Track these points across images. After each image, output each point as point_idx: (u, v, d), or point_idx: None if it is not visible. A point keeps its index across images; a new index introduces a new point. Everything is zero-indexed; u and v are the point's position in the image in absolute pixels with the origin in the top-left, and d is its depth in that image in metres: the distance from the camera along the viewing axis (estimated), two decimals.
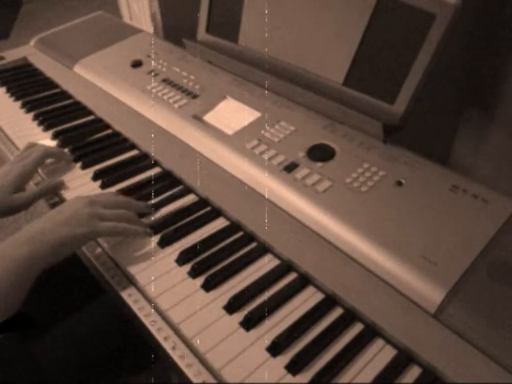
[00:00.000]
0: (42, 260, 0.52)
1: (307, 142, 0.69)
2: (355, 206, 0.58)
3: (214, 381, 0.46)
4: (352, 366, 0.46)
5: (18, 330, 0.64)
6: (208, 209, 0.65)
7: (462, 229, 0.54)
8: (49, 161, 0.75)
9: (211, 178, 0.68)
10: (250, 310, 0.51)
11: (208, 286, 0.54)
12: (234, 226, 0.62)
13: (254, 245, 0.60)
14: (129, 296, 0.55)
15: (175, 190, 0.69)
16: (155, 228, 0.61)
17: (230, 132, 0.73)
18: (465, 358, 0.45)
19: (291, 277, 0.55)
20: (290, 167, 0.65)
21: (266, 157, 0.67)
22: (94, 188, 0.70)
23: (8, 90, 0.99)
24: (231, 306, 0.51)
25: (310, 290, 0.54)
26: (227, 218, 0.63)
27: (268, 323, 0.50)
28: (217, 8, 0.87)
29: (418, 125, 0.73)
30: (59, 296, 0.75)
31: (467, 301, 0.48)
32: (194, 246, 0.59)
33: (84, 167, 0.74)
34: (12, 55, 1.11)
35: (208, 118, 0.78)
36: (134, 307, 0.53)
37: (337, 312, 0.51)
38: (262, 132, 0.72)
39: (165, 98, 0.83)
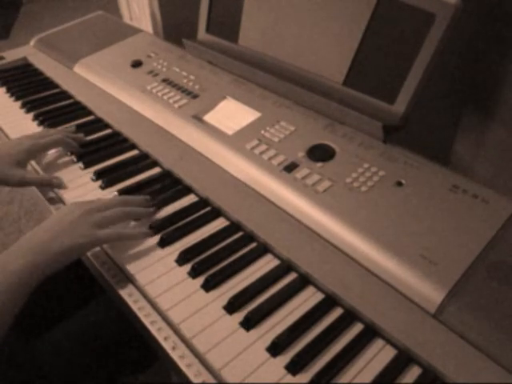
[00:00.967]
0: (42, 271, 0.52)
1: (307, 141, 0.69)
2: (355, 206, 0.58)
3: (213, 381, 0.46)
4: (352, 366, 0.46)
5: (18, 330, 0.64)
6: (208, 209, 0.65)
7: (462, 229, 0.54)
8: (51, 156, 0.76)
9: (211, 178, 0.68)
10: (250, 310, 0.51)
11: (208, 286, 0.54)
12: (234, 226, 0.62)
13: (253, 245, 0.60)
14: (129, 296, 0.55)
15: (175, 189, 0.69)
16: (155, 228, 0.61)
17: (229, 132, 0.73)
18: (465, 358, 0.45)
19: (291, 277, 0.55)
20: (290, 167, 0.65)
21: (265, 157, 0.67)
22: (93, 188, 0.70)
23: (8, 90, 0.99)
24: (231, 306, 0.51)
25: (310, 289, 0.54)
26: (227, 218, 0.63)
27: (268, 323, 0.50)
28: (217, 8, 0.87)
29: (418, 125, 0.73)
30: (59, 296, 0.75)
31: (467, 301, 0.48)
32: (193, 246, 0.59)
33: (84, 167, 0.74)
34: (12, 55, 1.11)
35: (208, 117, 0.78)
36: (134, 307, 0.53)
37: (337, 312, 0.51)
38: (262, 132, 0.72)
39: (165, 97, 0.83)
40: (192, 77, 0.88)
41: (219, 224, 0.63)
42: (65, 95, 0.96)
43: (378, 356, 0.47)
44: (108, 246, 0.60)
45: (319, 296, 0.53)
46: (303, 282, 0.54)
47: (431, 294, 0.49)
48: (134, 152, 0.78)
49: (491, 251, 0.52)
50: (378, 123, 0.65)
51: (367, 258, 0.53)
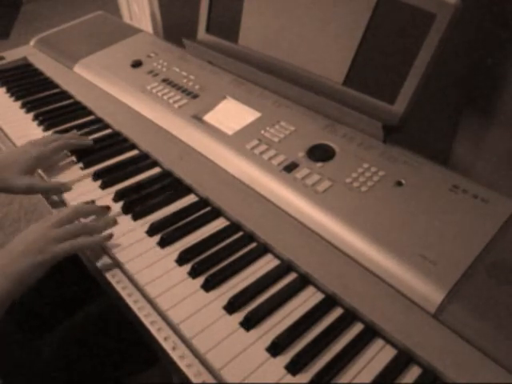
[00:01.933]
0: (6, 297, 0.52)
1: (307, 142, 0.69)
2: (355, 206, 0.58)
3: (213, 381, 0.46)
4: (352, 366, 0.46)
5: (18, 330, 0.64)
6: (208, 209, 0.65)
7: (462, 229, 0.54)
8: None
9: (211, 178, 0.68)
10: (250, 310, 0.51)
11: (208, 286, 0.54)
12: (234, 226, 0.62)
13: (253, 245, 0.60)
14: (129, 296, 0.55)
15: (175, 189, 0.69)
16: (155, 228, 0.61)
17: (230, 132, 0.73)
18: (465, 358, 0.45)
19: (291, 277, 0.55)
20: (290, 167, 0.65)
21: (265, 157, 0.67)
22: (93, 188, 0.70)
23: (8, 90, 0.99)
24: (231, 306, 0.51)
25: (310, 289, 0.54)
26: (227, 218, 0.63)
27: (268, 323, 0.50)
28: (217, 8, 0.87)
29: (418, 125, 0.73)
30: (59, 296, 0.75)
31: (467, 301, 0.48)
32: (193, 246, 0.59)
33: (84, 167, 0.74)
34: (12, 55, 1.11)
35: (208, 118, 0.78)
36: (134, 307, 0.53)
37: (337, 312, 0.51)
38: (262, 132, 0.72)
39: (165, 97, 0.83)
40: (192, 77, 0.88)
41: (219, 224, 0.63)
42: (65, 95, 0.96)
43: (378, 356, 0.47)
44: (108, 245, 0.60)
45: (319, 296, 0.53)
46: (303, 281, 0.54)
47: (431, 294, 0.49)
48: (134, 152, 0.78)
49: (491, 251, 0.52)
50: (378, 123, 0.65)
51: (367, 258, 0.53)
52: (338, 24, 0.70)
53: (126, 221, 0.64)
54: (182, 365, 0.47)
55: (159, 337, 0.50)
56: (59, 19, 1.29)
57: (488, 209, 0.56)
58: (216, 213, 0.64)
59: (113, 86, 0.91)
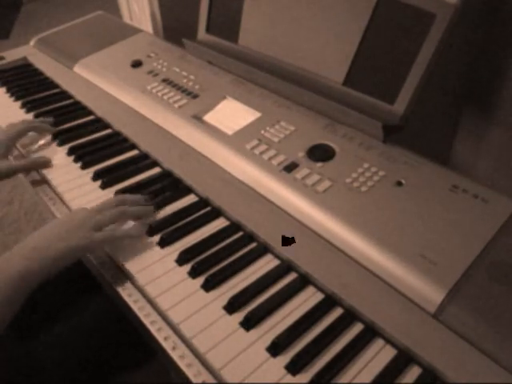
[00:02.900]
0: (37, 277, 0.52)
1: (307, 142, 0.69)
2: (355, 206, 0.58)
3: (213, 381, 0.46)
4: (352, 366, 0.46)
5: (16, 329, 0.64)
6: (208, 209, 0.65)
7: (462, 229, 0.54)
8: (51, 157, 0.76)
9: (211, 178, 0.68)
10: (250, 310, 0.51)
11: (208, 286, 0.54)
12: (234, 226, 0.62)
13: (253, 245, 0.60)
14: (129, 296, 0.55)
15: (175, 189, 0.69)
16: (155, 228, 0.61)
17: (229, 132, 0.73)
18: (465, 358, 0.45)
19: (291, 277, 0.55)
20: (290, 167, 0.65)
21: (265, 157, 0.67)
22: (93, 188, 0.70)
23: (8, 90, 0.99)
24: (231, 306, 0.51)
25: (310, 289, 0.54)
26: (227, 218, 0.63)
27: (268, 323, 0.50)
28: (217, 8, 0.87)
29: (418, 125, 0.73)
30: (59, 295, 0.75)
31: (467, 301, 0.48)
32: (193, 246, 0.59)
33: (84, 167, 0.74)
34: (12, 55, 1.11)
35: (208, 118, 0.78)
36: (134, 307, 0.53)
37: (337, 312, 0.51)
38: (262, 132, 0.72)
39: (165, 97, 0.83)
40: (192, 77, 0.88)
41: (219, 224, 0.63)
42: (65, 95, 0.96)
43: (378, 356, 0.47)
44: (108, 246, 0.60)
45: (319, 296, 0.53)
46: (303, 281, 0.54)
47: (431, 294, 0.49)
48: (134, 152, 0.78)
49: (491, 251, 0.52)
50: (378, 123, 0.65)
51: (367, 258, 0.53)
52: (338, 24, 0.70)
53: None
54: (181, 365, 0.47)
55: (159, 337, 0.50)
56: (59, 19, 1.29)
57: (488, 209, 0.56)
58: (216, 213, 0.64)
59: (113, 86, 0.91)
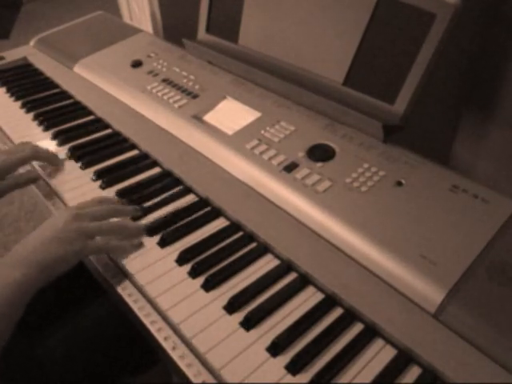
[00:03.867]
0: (36, 282, 0.51)
1: (307, 142, 0.69)
2: (355, 206, 0.58)
3: (213, 381, 0.46)
4: (352, 365, 0.46)
5: (18, 330, 0.64)
6: (208, 209, 0.65)
7: (462, 229, 0.54)
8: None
9: (211, 178, 0.68)
10: (250, 310, 0.51)
11: (208, 286, 0.54)
12: (234, 226, 0.62)
13: (253, 245, 0.60)
14: (129, 296, 0.55)
15: (175, 189, 0.69)
16: (155, 228, 0.61)
17: (229, 132, 0.73)
18: (465, 358, 0.45)
19: (291, 277, 0.55)
20: (290, 167, 0.65)
21: (265, 157, 0.67)
22: (93, 188, 0.70)
23: (8, 90, 0.99)
24: (231, 306, 0.51)
25: (310, 289, 0.54)
26: (227, 218, 0.63)
27: (268, 323, 0.50)
28: (217, 8, 0.87)
29: (418, 125, 0.73)
30: (59, 295, 0.75)
31: (467, 301, 0.48)
32: (193, 246, 0.59)
33: (84, 167, 0.74)
34: (12, 55, 1.11)
35: (208, 117, 0.78)
36: (134, 307, 0.53)
37: (337, 312, 0.51)
38: (262, 132, 0.72)
39: (165, 97, 0.83)
40: (192, 77, 0.88)
41: (219, 224, 0.63)
42: (65, 95, 0.96)
43: (378, 356, 0.47)
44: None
45: (319, 296, 0.53)
46: (303, 281, 0.54)
47: (431, 294, 0.49)
48: (134, 152, 0.78)
49: (491, 251, 0.52)
50: (378, 123, 0.65)
51: (367, 258, 0.53)
52: (338, 24, 0.70)
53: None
54: (182, 365, 0.47)
55: (159, 337, 0.50)
56: (59, 19, 1.29)
57: (488, 209, 0.56)
58: (216, 213, 0.64)
59: (113, 86, 0.91)
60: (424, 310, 0.49)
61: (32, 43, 1.14)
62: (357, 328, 0.50)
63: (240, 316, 0.51)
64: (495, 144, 0.85)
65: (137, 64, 0.95)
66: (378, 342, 0.48)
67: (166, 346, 0.49)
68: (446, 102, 0.88)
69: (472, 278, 0.49)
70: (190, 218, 0.63)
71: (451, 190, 0.59)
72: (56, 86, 0.99)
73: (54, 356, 0.64)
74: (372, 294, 0.51)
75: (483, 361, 0.44)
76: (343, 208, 0.58)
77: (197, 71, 0.90)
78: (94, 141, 0.81)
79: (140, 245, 0.60)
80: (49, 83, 1.00)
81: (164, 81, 0.88)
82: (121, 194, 0.68)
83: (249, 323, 0.50)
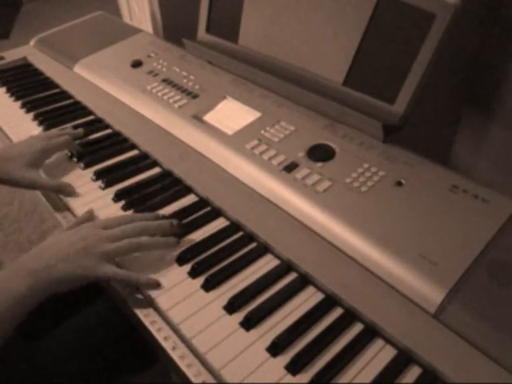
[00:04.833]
0: (42, 295, 0.51)
1: (307, 142, 0.69)
2: (355, 206, 0.58)
3: (213, 381, 0.46)
4: (352, 365, 0.46)
5: (18, 330, 0.64)
6: (208, 209, 0.65)
7: (462, 229, 0.54)
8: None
9: (211, 178, 0.68)
10: (250, 310, 0.51)
11: (208, 286, 0.54)
12: (234, 226, 0.62)
13: (253, 245, 0.60)
14: (129, 296, 0.54)
15: (175, 189, 0.69)
16: None
17: (229, 132, 0.73)
18: (465, 358, 0.45)
19: (291, 277, 0.55)
20: (290, 167, 0.65)
21: (265, 157, 0.67)
22: (93, 188, 0.70)
23: (8, 90, 0.99)
24: (231, 306, 0.51)
25: (310, 289, 0.54)
26: (227, 218, 0.63)
27: (268, 323, 0.50)
28: (217, 8, 0.87)
29: (418, 125, 0.73)
30: (59, 296, 0.74)
31: (467, 301, 0.48)
32: (194, 246, 0.59)
33: (84, 167, 0.74)
34: (12, 55, 1.11)
35: (208, 117, 0.78)
36: (134, 307, 0.53)
37: (337, 312, 0.51)
38: (262, 132, 0.72)
39: (165, 97, 0.83)
40: (192, 77, 0.88)
41: (219, 224, 0.63)
42: (65, 95, 0.96)
43: (378, 356, 0.47)
44: None
45: (319, 296, 0.53)
46: (303, 281, 0.54)
47: (431, 294, 0.49)
48: (134, 152, 0.78)
49: (491, 251, 0.52)
50: (378, 123, 0.65)
51: (367, 258, 0.53)
52: (337, 24, 0.70)
53: None
54: (181, 365, 0.47)
55: (159, 337, 0.50)
56: (59, 19, 1.29)
57: (488, 209, 0.56)
58: (216, 213, 0.64)
59: (113, 86, 0.91)
60: (424, 310, 0.49)
61: (32, 43, 1.14)
62: (357, 328, 0.50)
63: (240, 316, 0.51)
64: (495, 144, 0.85)
65: (137, 64, 0.95)
66: (378, 342, 0.48)
67: (166, 346, 0.49)
68: (446, 101, 0.88)
69: (472, 278, 0.49)
70: (190, 218, 0.63)
71: (451, 190, 0.59)
72: (56, 85, 0.99)
73: (56, 357, 0.63)
74: (372, 294, 0.51)
75: (483, 361, 0.44)
76: (343, 208, 0.58)
77: (197, 71, 0.90)
78: (94, 141, 0.81)
79: (156, 284, 0.54)
80: (49, 83, 1.00)
81: (164, 81, 0.88)
82: (121, 194, 0.68)
83: (249, 323, 0.50)
